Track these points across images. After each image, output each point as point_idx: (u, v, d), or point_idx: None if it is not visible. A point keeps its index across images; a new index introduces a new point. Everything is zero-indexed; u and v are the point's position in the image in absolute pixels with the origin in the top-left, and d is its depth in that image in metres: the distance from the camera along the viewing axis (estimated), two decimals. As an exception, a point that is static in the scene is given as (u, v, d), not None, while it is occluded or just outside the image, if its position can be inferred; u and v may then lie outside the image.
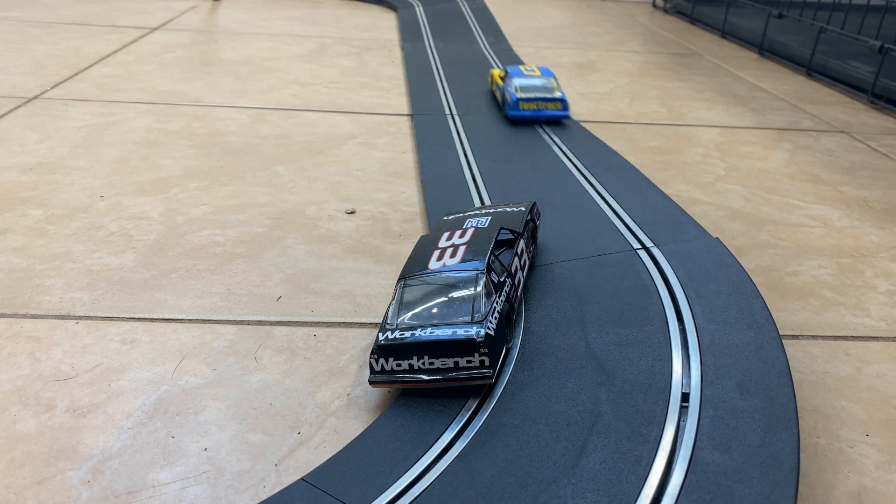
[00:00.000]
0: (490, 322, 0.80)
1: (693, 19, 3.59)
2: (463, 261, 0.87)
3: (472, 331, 0.78)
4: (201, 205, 1.31)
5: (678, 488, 0.65)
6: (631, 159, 1.56)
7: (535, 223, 1.07)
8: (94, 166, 1.45)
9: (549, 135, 1.69)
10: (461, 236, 0.94)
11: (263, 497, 0.69)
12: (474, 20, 3.23)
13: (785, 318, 1.04)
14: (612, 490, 0.65)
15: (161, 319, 0.96)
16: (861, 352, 0.97)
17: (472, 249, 0.89)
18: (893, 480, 0.75)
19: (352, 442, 0.73)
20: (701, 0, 3.57)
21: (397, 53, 2.61)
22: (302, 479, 0.68)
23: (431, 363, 0.78)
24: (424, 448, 0.71)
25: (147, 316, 0.97)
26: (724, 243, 1.13)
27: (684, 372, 0.81)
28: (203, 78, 2.13)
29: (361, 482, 0.67)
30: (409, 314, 0.82)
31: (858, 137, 1.90)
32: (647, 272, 1.04)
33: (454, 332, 0.78)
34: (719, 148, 1.76)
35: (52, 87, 1.95)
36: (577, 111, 1.97)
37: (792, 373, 0.82)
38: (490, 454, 0.70)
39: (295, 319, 0.98)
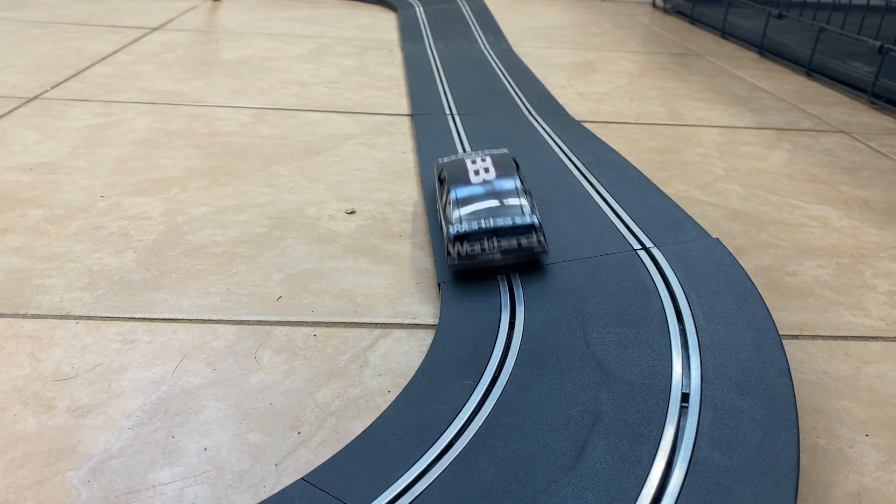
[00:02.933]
0: (536, 213, 1.06)
1: (693, 19, 3.59)
2: (498, 177, 1.13)
3: (528, 219, 1.04)
4: (201, 205, 1.31)
5: (678, 488, 0.66)
6: (631, 159, 1.56)
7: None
8: (94, 166, 1.45)
9: (549, 135, 1.69)
10: (483, 162, 1.18)
11: (264, 497, 0.69)
12: (474, 20, 3.23)
13: (785, 318, 1.04)
14: (612, 490, 0.65)
15: (161, 319, 0.97)
16: (861, 352, 0.97)
17: (501, 170, 1.15)
18: (893, 480, 0.75)
19: (352, 442, 0.73)
20: (701, 0, 3.57)
21: (397, 53, 2.61)
22: (302, 478, 0.69)
23: (499, 244, 1.03)
24: (424, 448, 0.71)
25: (147, 316, 0.97)
26: (724, 243, 1.13)
27: (684, 372, 0.82)
28: (203, 78, 2.13)
29: (362, 482, 0.67)
30: (468, 213, 1.06)
31: (858, 137, 1.90)
32: (648, 272, 1.04)
33: (514, 220, 1.03)
34: (719, 148, 1.76)
35: (53, 87, 1.95)
36: (577, 111, 1.97)
37: (792, 373, 0.82)
38: (490, 454, 0.70)
39: (295, 319, 0.98)
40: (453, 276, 1.05)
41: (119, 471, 0.71)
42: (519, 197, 1.08)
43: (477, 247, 1.02)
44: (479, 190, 1.10)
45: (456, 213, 1.06)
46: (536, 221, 1.03)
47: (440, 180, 1.19)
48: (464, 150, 1.56)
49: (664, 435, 0.72)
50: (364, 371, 0.88)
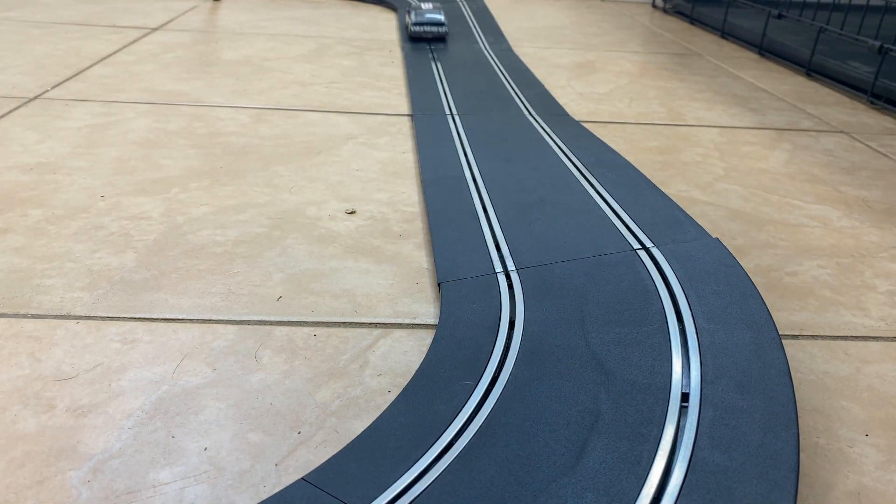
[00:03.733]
0: (446, 21, 2.84)
1: (693, 19, 3.59)
2: (434, 10, 2.76)
3: (442, 20, 2.77)
4: (201, 205, 1.31)
5: (678, 488, 0.66)
6: (630, 159, 1.56)
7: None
8: (94, 166, 1.45)
9: (548, 135, 1.69)
10: (427, 3, 2.88)
11: (264, 496, 0.69)
12: (474, 20, 3.23)
13: (784, 317, 1.04)
14: (612, 490, 0.65)
15: (161, 319, 0.97)
16: (861, 352, 0.97)
17: (436, 8, 2.79)
18: (893, 480, 0.75)
19: (352, 442, 0.74)
20: (701, 0, 3.57)
21: (397, 53, 2.61)
22: (302, 478, 0.69)
23: (431, 28, 2.75)
24: (424, 448, 0.71)
25: (147, 316, 0.97)
26: (724, 243, 1.13)
27: (684, 372, 0.82)
28: (203, 78, 2.13)
29: (362, 482, 0.67)
30: (419, 18, 2.73)
31: (858, 137, 1.90)
32: (647, 272, 1.04)
33: (437, 21, 2.75)
34: (719, 148, 1.76)
35: (53, 88, 1.95)
36: (576, 111, 1.97)
37: (792, 373, 0.82)
38: (490, 454, 0.70)
39: (295, 319, 0.98)
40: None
41: (119, 471, 0.71)
42: (441, 18, 2.71)
43: (421, 29, 2.70)
44: (424, 13, 2.70)
45: (414, 17, 2.71)
46: (446, 22, 2.73)
47: (407, 12, 2.82)
48: (462, 149, 1.58)
49: (664, 435, 0.72)
50: (364, 371, 0.88)
